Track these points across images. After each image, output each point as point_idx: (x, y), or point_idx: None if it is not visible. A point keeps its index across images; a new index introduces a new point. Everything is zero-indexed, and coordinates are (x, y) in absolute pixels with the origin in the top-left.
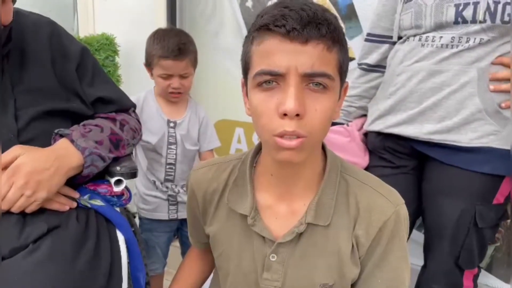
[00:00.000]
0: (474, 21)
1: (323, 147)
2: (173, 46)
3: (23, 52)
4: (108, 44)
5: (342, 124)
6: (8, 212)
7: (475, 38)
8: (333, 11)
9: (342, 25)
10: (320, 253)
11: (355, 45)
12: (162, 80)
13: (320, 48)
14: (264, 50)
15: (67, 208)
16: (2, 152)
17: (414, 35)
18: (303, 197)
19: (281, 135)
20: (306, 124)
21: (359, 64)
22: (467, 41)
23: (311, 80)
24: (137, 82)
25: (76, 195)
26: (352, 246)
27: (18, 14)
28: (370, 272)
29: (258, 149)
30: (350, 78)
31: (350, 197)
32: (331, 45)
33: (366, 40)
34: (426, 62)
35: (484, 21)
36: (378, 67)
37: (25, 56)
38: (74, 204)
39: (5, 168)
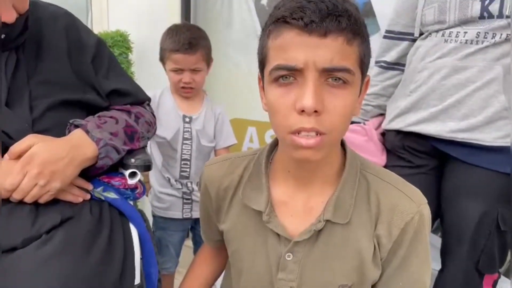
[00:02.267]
0: (500, 15)
1: (342, 144)
2: (184, 40)
3: (40, 43)
4: (122, 41)
5: (359, 123)
6: (21, 202)
7: (501, 34)
8: None
9: None
10: (339, 253)
11: (372, 43)
12: (173, 74)
13: (340, 41)
14: (281, 44)
15: (80, 199)
16: (16, 141)
17: (437, 31)
18: (321, 194)
19: (298, 132)
20: (325, 121)
21: (377, 62)
22: (493, 37)
23: (330, 75)
24: (150, 79)
25: (89, 187)
26: (374, 246)
27: (36, 4)
28: (391, 274)
29: (274, 145)
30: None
31: (371, 196)
32: (351, 38)
33: (385, 37)
34: (449, 58)
35: (510, 15)
36: (397, 65)
37: (41, 46)
38: (88, 196)
39: (19, 157)
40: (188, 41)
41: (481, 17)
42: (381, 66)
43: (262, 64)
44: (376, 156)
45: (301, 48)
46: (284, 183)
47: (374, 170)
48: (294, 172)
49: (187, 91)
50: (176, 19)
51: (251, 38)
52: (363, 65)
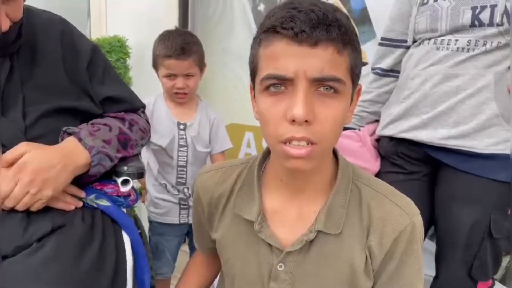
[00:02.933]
0: (491, 24)
1: (335, 153)
2: (176, 45)
3: (34, 49)
4: (119, 46)
5: (354, 129)
6: (13, 210)
7: (492, 42)
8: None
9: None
10: (331, 264)
11: (369, 50)
12: (166, 80)
13: (330, 51)
14: (271, 54)
15: (72, 207)
16: (9, 148)
17: (429, 38)
18: (312, 204)
19: (289, 141)
20: (316, 131)
21: (373, 69)
22: (484, 45)
23: (321, 84)
24: (148, 84)
25: (82, 194)
26: (366, 257)
27: (30, 11)
28: (383, 284)
29: (267, 154)
30: (364, 83)
31: (363, 206)
32: (341, 47)
33: (381, 44)
34: (441, 66)
35: (502, 24)
36: (392, 72)
37: (36, 53)
38: (80, 204)
39: (11, 165)
40: (180, 46)
41: (472, 25)
42: (376, 73)
43: (253, 73)
44: (370, 162)
45: (291, 58)
46: (276, 192)
47: (366, 180)
48: (286, 181)
49: (181, 97)
50: (174, 24)
51: (249, 44)
52: (354, 75)
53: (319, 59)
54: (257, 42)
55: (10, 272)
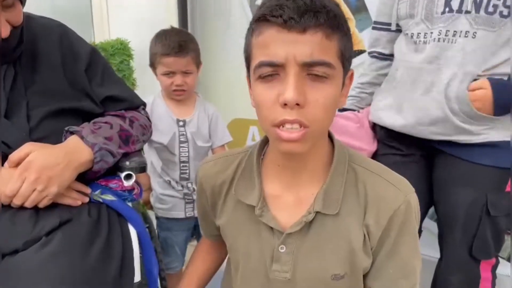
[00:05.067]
0: (459, 11)
1: (330, 136)
2: (174, 43)
3: (35, 55)
4: (122, 48)
5: (354, 110)
6: (22, 207)
7: (461, 32)
8: (343, 4)
9: (352, 17)
10: (330, 244)
11: (366, 37)
12: (165, 78)
13: (319, 36)
14: (262, 41)
15: (79, 203)
16: (15, 150)
17: (407, 32)
18: (310, 187)
19: (282, 124)
20: (307, 114)
21: (369, 53)
22: (454, 35)
23: (311, 69)
24: (152, 85)
25: (87, 190)
26: (364, 236)
27: (29, 18)
28: (382, 262)
29: (266, 141)
30: (362, 67)
31: (359, 187)
32: (330, 32)
33: (373, 28)
34: (418, 58)
35: (469, 11)
36: (389, 56)
37: (37, 58)
38: (86, 199)
39: (17, 164)
40: (178, 43)
41: (443, 12)
42: (374, 56)
43: (248, 62)
44: (367, 143)
45: (281, 44)
46: (275, 177)
47: (362, 161)
48: (283, 165)
49: (179, 93)
50: (174, 25)
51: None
52: (344, 59)
53: (308, 45)
54: (250, 32)
55: (21, 265)
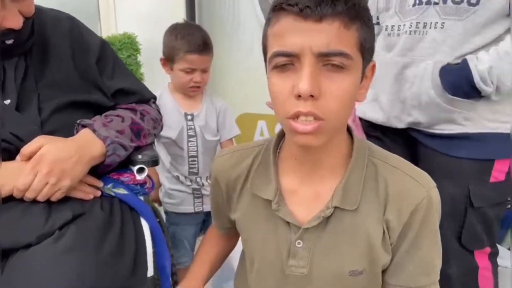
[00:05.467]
0: (429, 2)
1: (349, 130)
2: (199, 41)
3: (45, 47)
4: (129, 43)
5: None
6: (34, 201)
7: (431, 23)
8: None
9: None
10: (348, 239)
11: None
12: (184, 74)
13: (336, 25)
14: (278, 31)
15: (91, 196)
16: (27, 143)
17: (382, 26)
18: (328, 181)
19: (296, 116)
20: (322, 106)
21: None
22: (424, 27)
23: (328, 59)
24: (159, 79)
25: (99, 184)
26: (383, 232)
27: (38, 10)
28: (401, 258)
29: (282, 135)
30: None
31: (379, 181)
32: (348, 22)
33: None
34: (392, 53)
35: (437, 2)
36: None
37: (47, 51)
38: (98, 193)
39: (29, 158)
40: (203, 42)
41: (414, 4)
42: None
43: (264, 52)
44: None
45: (297, 34)
46: (292, 171)
47: (382, 156)
48: (300, 159)
49: (195, 90)
50: (182, 18)
51: (257, 31)
52: (364, 50)
53: (324, 34)
54: (267, 22)
55: (34, 259)
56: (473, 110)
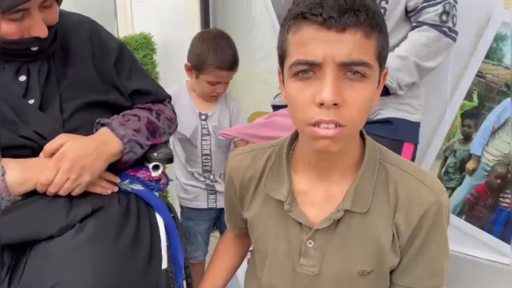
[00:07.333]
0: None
1: (362, 134)
2: (231, 59)
3: (66, 50)
4: (145, 43)
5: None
6: (56, 195)
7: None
8: None
9: None
10: (358, 241)
11: None
12: (209, 85)
13: (358, 36)
14: (300, 39)
15: (109, 191)
16: (49, 141)
17: None
18: (340, 184)
19: (318, 123)
20: (344, 114)
21: None
22: None
23: (349, 69)
24: (174, 78)
25: (117, 180)
26: (393, 235)
27: (61, 14)
28: (410, 260)
29: (295, 136)
30: None
31: (389, 185)
32: (369, 31)
33: None
34: None
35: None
36: None
37: (68, 53)
38: (116, 188)
39: (52, 154)
40: (233, 59)
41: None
42: None
43: (282, 58)
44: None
45: (320, 44)
46: (304, 173)
47: (393, 160)
48: (314, 162)
49: (216, 97)
50: (196, 19)
51: (270, 33)
52: (381, 58)
53: (347, 44)
54: (285, 29)
55: (56, 250)
56: (386, 104)
